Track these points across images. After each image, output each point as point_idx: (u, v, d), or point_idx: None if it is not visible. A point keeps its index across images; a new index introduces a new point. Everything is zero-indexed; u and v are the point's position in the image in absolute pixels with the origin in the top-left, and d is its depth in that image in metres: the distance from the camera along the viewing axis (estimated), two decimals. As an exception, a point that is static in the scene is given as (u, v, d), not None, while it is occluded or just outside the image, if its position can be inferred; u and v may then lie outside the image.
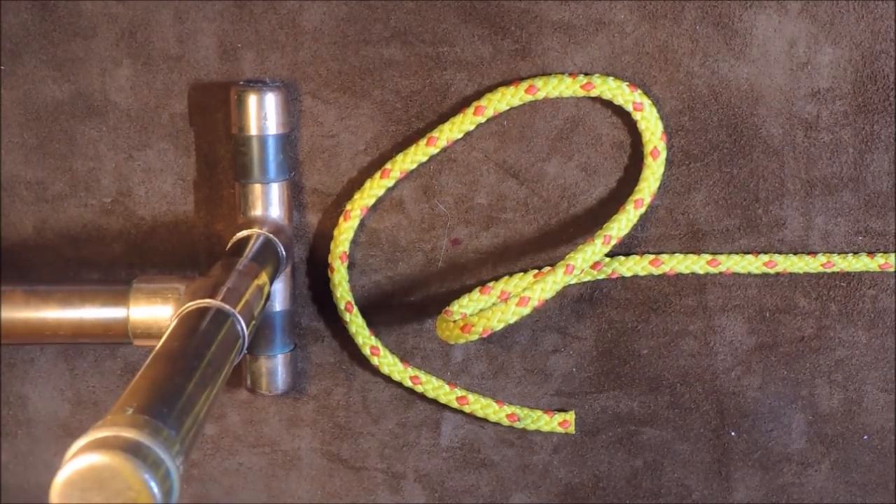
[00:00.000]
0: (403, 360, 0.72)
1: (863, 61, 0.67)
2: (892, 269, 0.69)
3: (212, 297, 0.57)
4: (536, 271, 0.70)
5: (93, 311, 0.61)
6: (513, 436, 0.73)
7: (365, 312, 0.71)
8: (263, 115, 0.66)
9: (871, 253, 0.70)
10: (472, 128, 0.68)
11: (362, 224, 0.70)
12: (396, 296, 0.72)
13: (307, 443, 0.74)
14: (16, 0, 0.67)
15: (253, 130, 0.66)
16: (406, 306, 0.72)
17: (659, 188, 0.68)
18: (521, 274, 0.70)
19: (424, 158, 0.68)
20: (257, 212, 0.67)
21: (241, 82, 0.67)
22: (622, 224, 0.67)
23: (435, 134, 0.68)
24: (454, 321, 0.65)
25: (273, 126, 0.66)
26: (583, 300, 0.71)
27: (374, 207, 0.70)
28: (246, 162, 0.67)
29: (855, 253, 0.70)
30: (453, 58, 0.68)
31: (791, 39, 0.67)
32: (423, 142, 0.68)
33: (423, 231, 0.71)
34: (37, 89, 0.69)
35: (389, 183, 0.69)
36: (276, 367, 0.70)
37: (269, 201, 0.67)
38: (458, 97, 0.68)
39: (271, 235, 0.66)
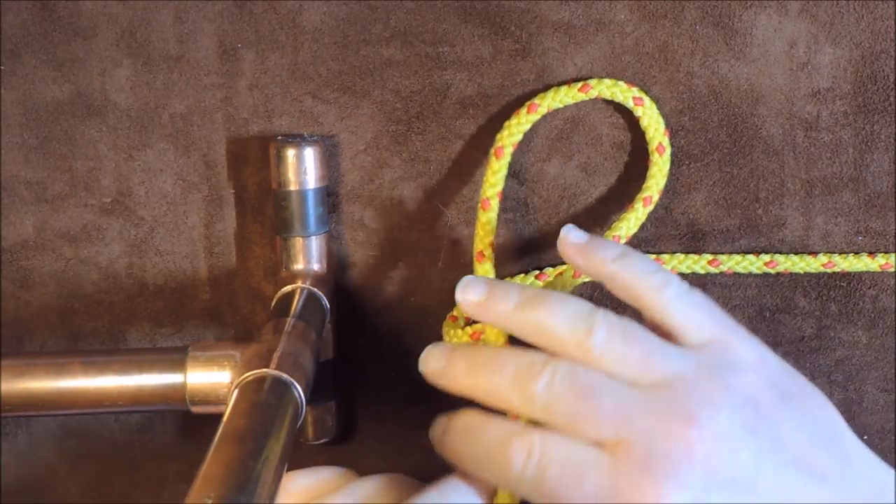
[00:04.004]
0: (403, 359, 0.72)
1: (863, 61, 0.67)
2: (893, 269, 0.69)
3: (267, 365, 0.58)
4: (538, 272, 0.70)
5: (150, 378, 0.62)
6: (513, 436, 0.73)
7: (365, 313, 0.71)
8: (303, 169, 0.66)
9: (871, 253, 0.70)
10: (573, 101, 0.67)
11: (362, 224, 0.70)
12: (396, 296, 0.72)
13: (307, 442, 0.74)
14: (16, 0, 0.67)
15: (292, 185, 0.66)
16: (406, 306, 0.72)
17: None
18: (523, 275, 0.70)
19: (572, 101, 0.67)
20: (299, 265, 0.68)
21: (279, 137, 0.68)
22: (631, 223, 0.67)
23: (536, 101, 0.66)
24: (462, 328, 0.66)
25: (312, 180, 0.67)
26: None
27: (374, 207, 0.70)
28: (287, 216, 0.67)
29: (855, 253, 0.70)
30: (453, 58, 0.67)
31: (791, 39, 0.67)
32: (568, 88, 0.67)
33: (423, 231, 0.70)
34: (37, 89, 0.69)
35: (536, 118, 0.66)
36: (322, 415, 0.70)
37: (310, 254, 0.68)
38: (458, 97, 0.68)
39: (314, 289, 0.67)
